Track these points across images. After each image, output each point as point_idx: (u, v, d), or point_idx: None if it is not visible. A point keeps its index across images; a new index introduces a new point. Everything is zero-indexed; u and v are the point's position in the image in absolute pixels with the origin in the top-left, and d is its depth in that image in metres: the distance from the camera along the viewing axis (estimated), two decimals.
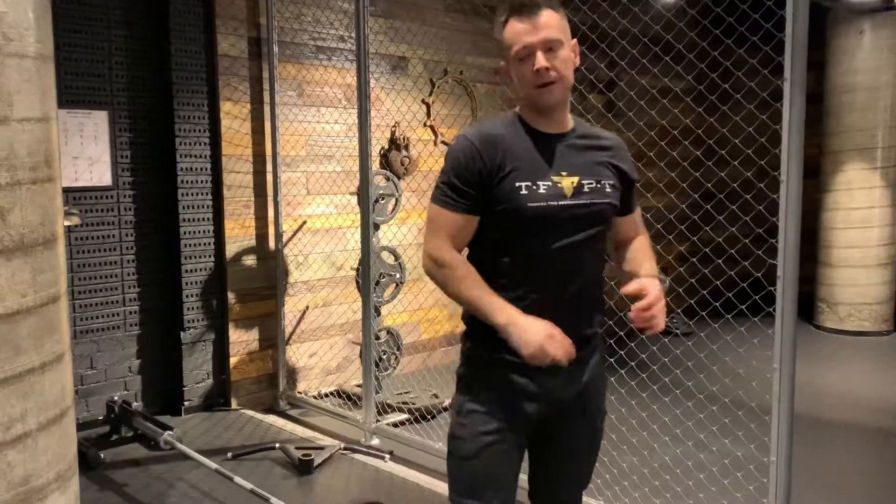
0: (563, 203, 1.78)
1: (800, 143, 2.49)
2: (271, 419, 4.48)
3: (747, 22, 3.02)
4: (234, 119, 4.50)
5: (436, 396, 4.61)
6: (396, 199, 4.55)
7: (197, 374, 4.52)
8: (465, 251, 1.88)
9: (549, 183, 1.78)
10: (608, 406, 2.05)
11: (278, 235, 4.65)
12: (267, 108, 4.59)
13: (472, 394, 1.86)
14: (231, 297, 4.56)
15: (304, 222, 4.83)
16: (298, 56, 4.74)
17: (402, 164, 5.06)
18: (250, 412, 4.56)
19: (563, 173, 1.81)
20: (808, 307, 6.83)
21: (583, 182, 1.81)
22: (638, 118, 5.53)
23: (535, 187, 1.77)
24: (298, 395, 4.73)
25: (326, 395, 4.77)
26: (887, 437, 4.31)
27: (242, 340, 4.62)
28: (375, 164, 4.60)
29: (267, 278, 4.68)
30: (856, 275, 6.65)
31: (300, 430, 4.29)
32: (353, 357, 5.00)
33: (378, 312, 4.48)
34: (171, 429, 3.80)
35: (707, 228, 5.22)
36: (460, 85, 5.62)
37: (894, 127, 6.44)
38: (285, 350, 4.73)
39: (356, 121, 4.04)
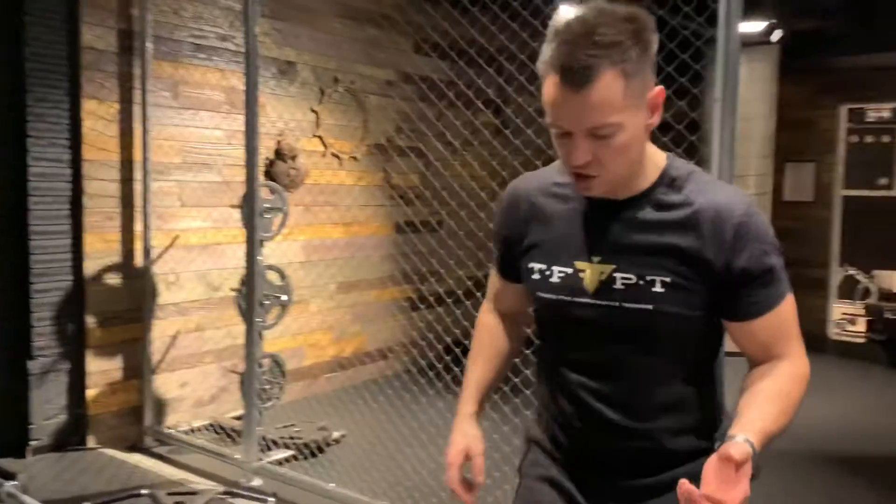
0: (579, 300, 1.31)
1: (730, 166, 2.41)
2: (136, 459, 3.97)
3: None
4: (99, 120, 3.99)
5: (323, 429, 4.26)
6: (283, 214, 4.19)
7: (47, 408, 3.93)
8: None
9: (569, 270, 1.32)
10: None
11: (147, 251, 4.16)
12: (137, 109, 4.11)
13: None
14: (90, 320, 4.02)
15: (177, 237, 4.36)
16: (175, 54, 4.28)
17: (289, 176, 4.71)
18: (111, 451, 4.02)
19: (595, 258, 1.31)
20: None
21: (615, 274, 1.29)
22: (526, 144, 5.48)
23: (548, 273, 1.35)
24: (167, 430, 4.24)
25: (200, 430, 4.31)
26: None
27: (103, 370, 4.08)
28: (260, 176, 4.23)
29: (132, 300, 4.17)
30: None
31: (170, 472, 3.81)
32: (230, 386, 4.56)
33: (260, 337, 4.10)
34: (13, 477, 3.24)
35: None
36: (351, 95, 5.33)
37: (767, 157, 6.75)
38: (152, 380, 4.22)
39: (239, 127, 3.68)
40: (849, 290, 9.16)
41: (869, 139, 10.31)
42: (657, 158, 1.32)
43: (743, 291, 1.26)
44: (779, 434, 1.19)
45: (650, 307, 1.26)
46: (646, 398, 1.32)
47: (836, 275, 8.55)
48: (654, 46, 1.21)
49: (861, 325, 7.51)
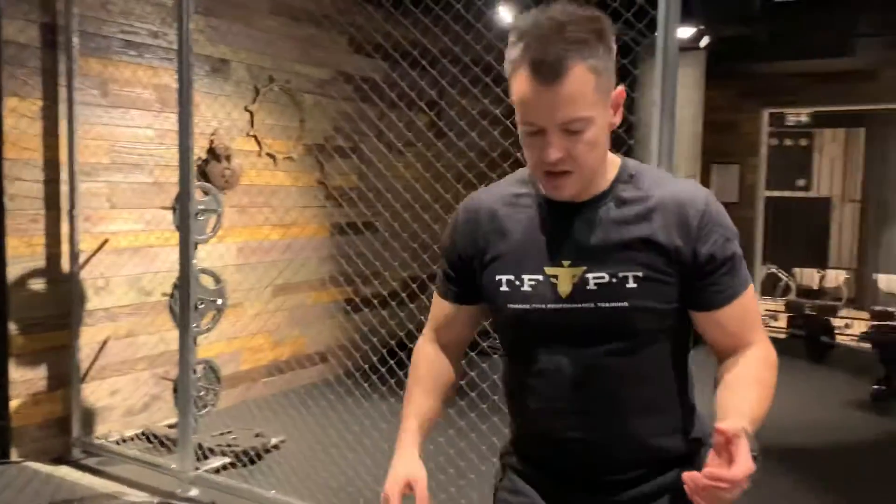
0: (553, 307, 1.28)
1: (669, 169, 2.46)
2: (63, 472, 3.80)
3: None
4: (22, 118, 3.81)
5: (261, 435, 4.17)
6: (218, 216, 4.09)
7: None
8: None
9: (540, 277, 1.29)
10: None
11: (74, 255, 3.99)
12: (63, 107, 3.94)
13: None
14: (13, 327, 3.83)
15: (107, 240, 4.20)
16: (104, 50, 4.12)
17: (224, 177, 4.60)
18: (36, 465, 3.84)
19: (566, 262, 1.29)
20: None
21: (587, 275, 1.27)
22: (459, 139, 5.50)
23: (518, 283, 1.31)
24: (97, 440, 4.07)
25: (131, 439, 4.16)
26: None
27: (27, 379, 3.89)
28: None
29: (59, 305, 3.99)
30: None
31: (101, 484, 3.67)
32: (162, 394, 4.43)
33: (195, 343, 3.98)
34: None
35: None
36: (287, 94, 5.24)
37: (692, 157, 6.95)
38: (80, 389, 4.05)
39: (172, 127, 3.56)
40: (771, 287, 9.55)
41: (788, 142, 10.78)
42: (611, 158, 1.33)
43: (709, 279, 1.26)
44: (761, 419, 1.19)
45: (625, 304, 1.25)
46: (624, 402, 1.30)
47: (760, 273, 8.90)
48: (615, 48, 1.23)
49: (783, 321, 7.81)
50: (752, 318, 1.30)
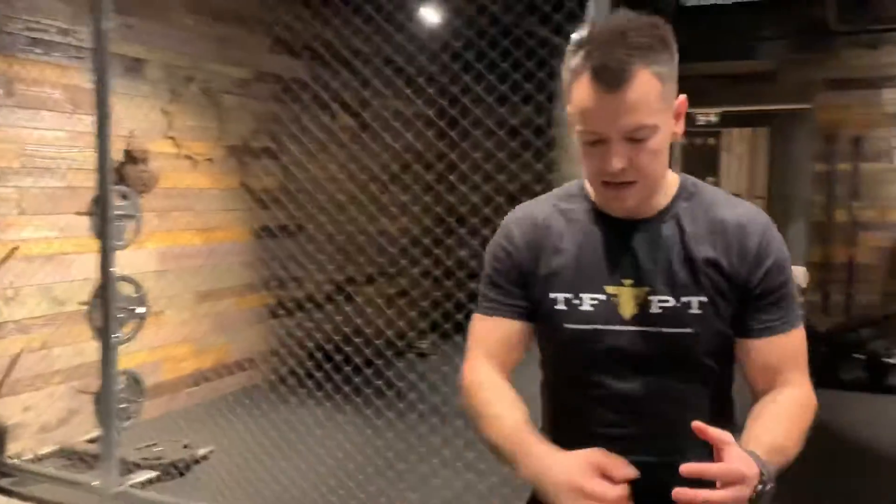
0: (614, 328, 1.23)
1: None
2: None
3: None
4: None
5: (188, 446, 4.04)
6: (137, 221, 3.94)
7: None
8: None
9: (601, 296, 1.24)
10: None
11: None
12: None
13: None
14: None
15: (16, 248, 3.98)
16: (9, 47, 3.90)
17: (141, 180, 4.44)
18: None
19: (627, 281, 1.24)
20: None
21: (650, 297, 1.22)
22: (382, 141, 5.48)
23: (577, 301, 1.25)
24: (10, 460, 3.85)
25: (48, 457, 3.96)
26: None
27: None
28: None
29: None
30: None
31: None
32: (80, 408, 4.23)
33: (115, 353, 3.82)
34: None
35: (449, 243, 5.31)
36: (206, 95, 5.09)
37: None
38: None
39: (85, 129, 3.41)
40: None
41: (698, 141, 11.22)
42: (670, 175, 1.28)
43: (759, 305, 1.23)
44: (783, 453, 1.13)
45: (690, 330, 1.21)
46: (679, 430, 1.16)
47: None
48: (677, 56, 1.20)
49: None
50: (796, 356, 1.26)
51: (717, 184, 11.41)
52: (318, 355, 4.57)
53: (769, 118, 9.76)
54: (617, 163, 1.15)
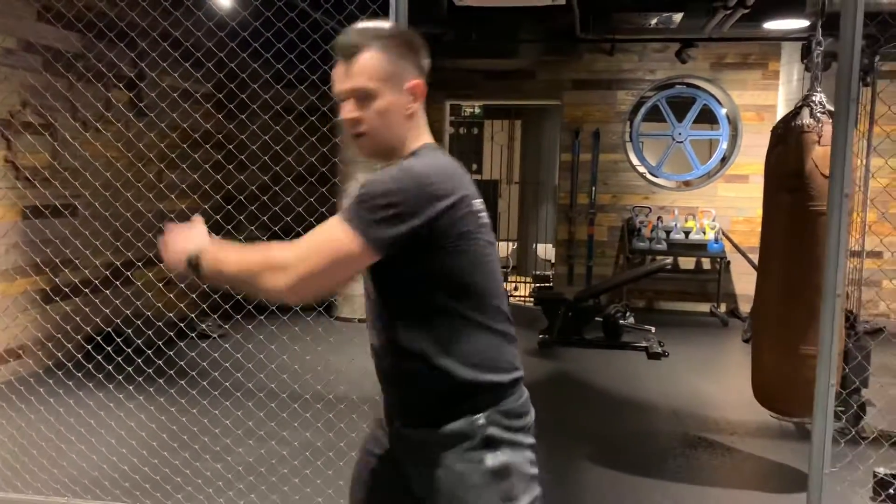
0: None
1: None
2: None
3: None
4: None
5: None
6: None
7: None
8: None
9: None
10: None
11: None
12: None
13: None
14: None
15: None
16: None
17: None
18: None
19: None
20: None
21: None
22: (160, 119, 5.39)
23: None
24: None
25: None
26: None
27: None
28: None
29: None
30: None
31: None
32: None
33: None
34: None
35: (229, 228, 5.38)
36: None
37: None
38: None
39: None
40: None
41: (463, 130, 12.06)
42: (418, 144, 1.59)
43: None
44: (225, 260, 1.54)
45: None
46: (391, 326, 1.62)
47: None
48: (419, 55, 1.60)
49: None
50: (312, 234, 1.48)
51: (480, 170, 12.28)
52: (104, 337, 4.45)
53: (523, 112, 10.79)
54: (347, 112, 1.55)
